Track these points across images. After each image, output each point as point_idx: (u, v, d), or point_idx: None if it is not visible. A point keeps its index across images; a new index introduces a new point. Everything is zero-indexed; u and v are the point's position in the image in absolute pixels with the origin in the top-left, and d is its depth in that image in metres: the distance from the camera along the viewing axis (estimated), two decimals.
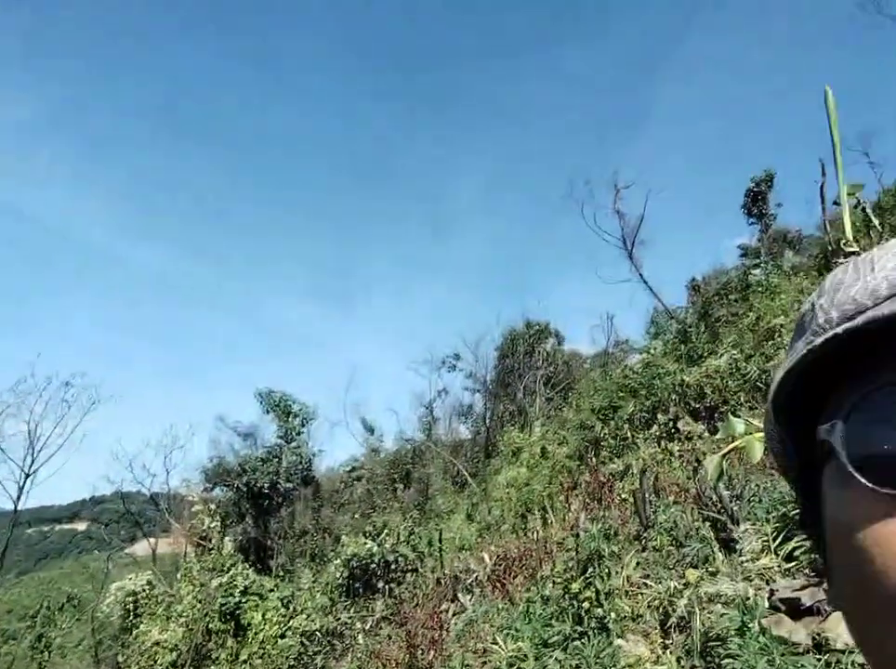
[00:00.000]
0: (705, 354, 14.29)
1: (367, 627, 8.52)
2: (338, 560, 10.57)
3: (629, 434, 12.73)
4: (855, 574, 0.38)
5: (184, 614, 9.34)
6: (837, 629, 4.12)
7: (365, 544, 10.64)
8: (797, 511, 0.50)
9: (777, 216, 24.21)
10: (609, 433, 12.98)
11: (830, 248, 13.01)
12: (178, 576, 10.65)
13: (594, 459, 12.01)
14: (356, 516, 19.50)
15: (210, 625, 8.98)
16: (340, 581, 10.13)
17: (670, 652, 5.67)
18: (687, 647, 5.49)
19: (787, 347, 0.49)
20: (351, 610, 9.14)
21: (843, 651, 3.93)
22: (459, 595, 8.59)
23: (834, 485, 0.40)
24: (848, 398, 0.39)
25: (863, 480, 0.36)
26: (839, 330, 0.39)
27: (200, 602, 9.49)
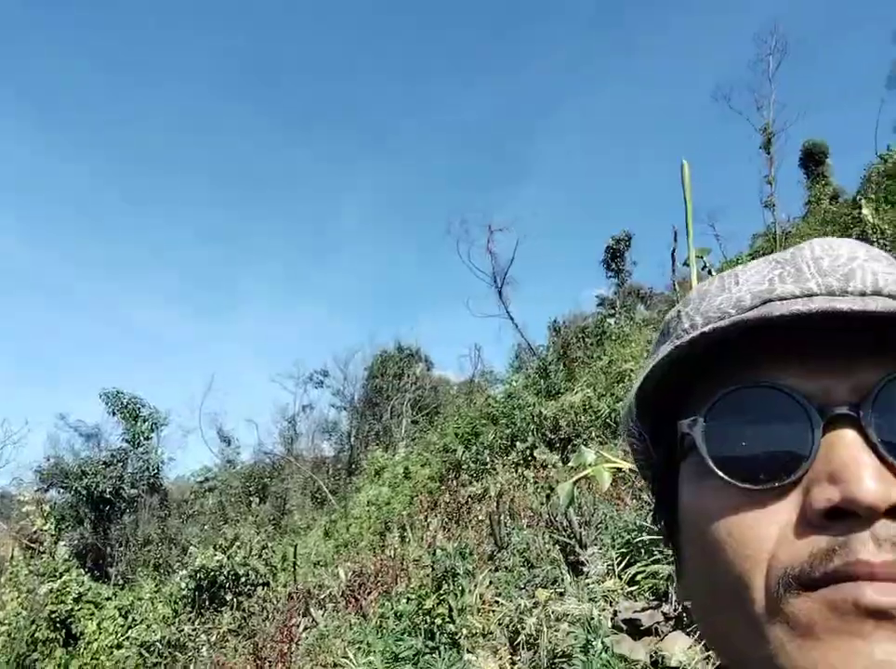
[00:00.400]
0: (562, 390, 15.27)
1: (213, 640, 8.24)
2: (185, 571, 10.11)
3: (489, 459, 13.29)
4: (707, 565, 0.39)
5: (6, 622, 8.52)
6: (673, 648, 4.63)
7: (215, 556, 10.27)
8: (651, 514, 0.52)
9: (632, 273, 26.52)
10: (470, 457, 13.48)
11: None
12: (2, 581, 9.69)
13: (454, 481, 12.41)
14: (206, 527, 18.66)
15: (37, 634, 8.26)
16: (185, 592, 9.70)
17: (517, 668, 6.00)
18: (534, 663, 5.83)
19: (650, 351, 0.52)
20: (196, 623, 8.79)
21: (676, 668, 4.43)
22: (312, 609, 8.53)
23: (692, 479, 0.42)
24: (708, 397, 0.40)
25: (721, 474, 0.38)
26: (706, 329, 0.40)
27: (26, 610, 8.69)
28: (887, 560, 0.33)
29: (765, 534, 0.36)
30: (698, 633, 4.55)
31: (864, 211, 12.89)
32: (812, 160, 22.69)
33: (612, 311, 21.33)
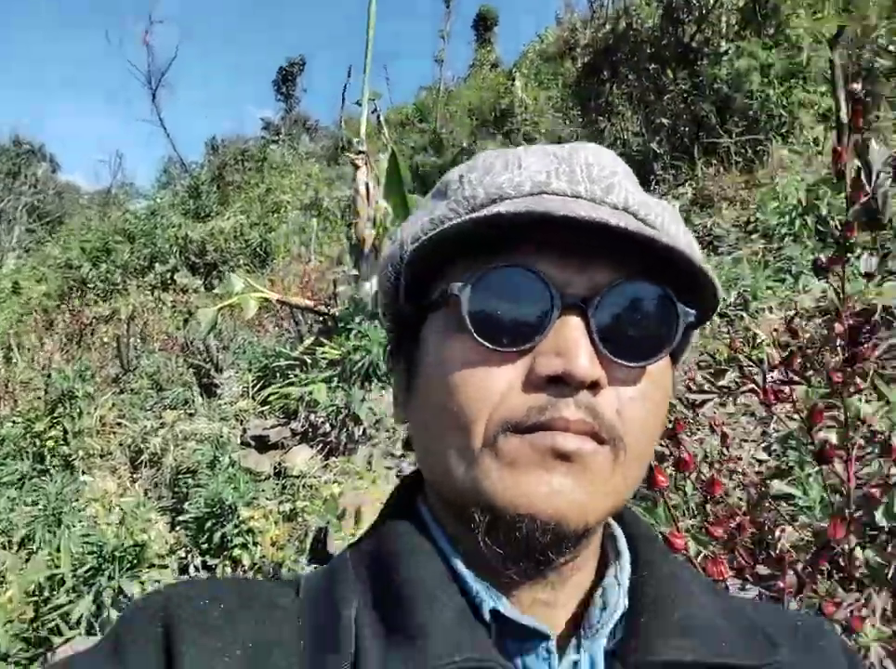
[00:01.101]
0: (214, 214, 14.54)
1: None
2: None
3: (121, 279, 12.23)
4: (442, 402, 0.45)
5: None
6: (296, 459, 5.08)
7: None
8: (388, 347, 0.58)
9: (301, 101, 25.54)
10: (98, 276, 12.21)
11: (342, 142, 14.46)
12: None
13: (78, 301, 11.19)
14: None
15: None
16: None
17: (139, 485, 6.00)
18: (156, 480, 5.90)
19: (423, 204, 0.55)
20: None
21: (297, 476, 4.91)
22: None
23: (444, 331, 0.47)
24: (476, 267, 0.44)
25: (475, 334, 0.43)
26: (502, 210, 0.43)
27: None
28: (579, 418, 0.42)
29: (496, 387, 0.44)
30: (319, 445, 5.14)
31: (517, 83, 14.36)
32: (484, 24, 23.53)
33: (277, 138, 20.51)
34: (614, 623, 0.47)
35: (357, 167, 6.19)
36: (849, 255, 1.35)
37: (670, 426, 1.39)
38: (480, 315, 0.44)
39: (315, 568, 0.56)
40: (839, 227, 1.40)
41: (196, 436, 5.97)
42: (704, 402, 1.80)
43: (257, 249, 12.38)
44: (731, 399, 1.94)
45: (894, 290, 4.48)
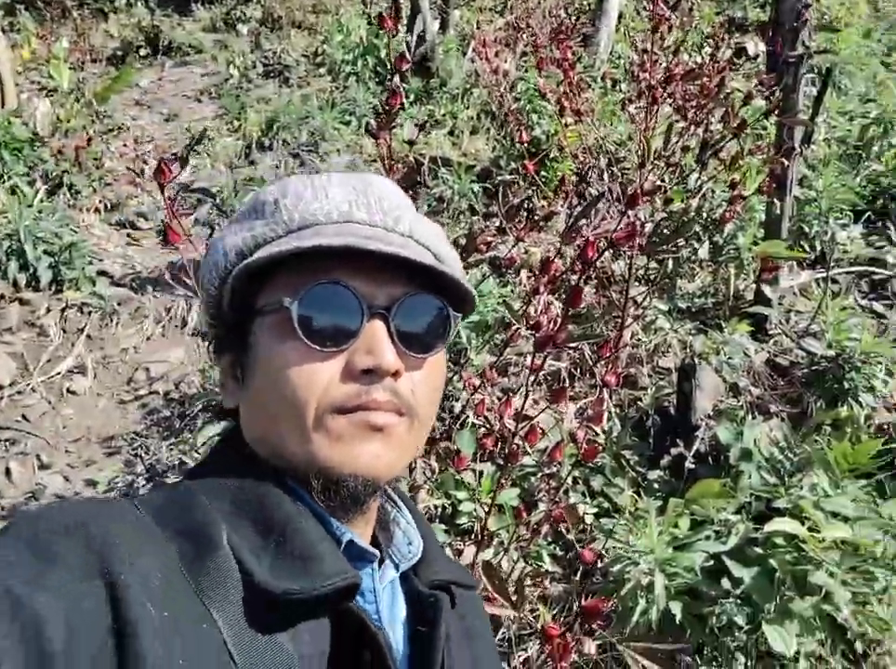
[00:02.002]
0: None
1: None
2: None
3: None
4: (278, 392, 0.57)
5: None
6: None
7: None
8: (210, 343, 0.68)
9: None
10: None
11: None
12: None
13: None
14: None
15: None
16: None
17: None
18: None
19: (237, 218, 0.65)
20: None
21: None
22: None
23: (275, 335, 0.58)
24: (302, 283, 0.56)
25: (305, 339, 0.55)
26: (324, 242, 0.55)
27: None
28: (387, 400, 0.57)
29: (322, 379, 0.56)
30: None
31: None
32: None
33: None
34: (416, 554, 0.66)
35: None
36: (394, 123, 1.41)
37: None
38: (307, 323, 0.56)
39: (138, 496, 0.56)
40: (391, 73, 1.45)
41: None
42: None
43: None
44: None
45: (439, 140, 5.05)
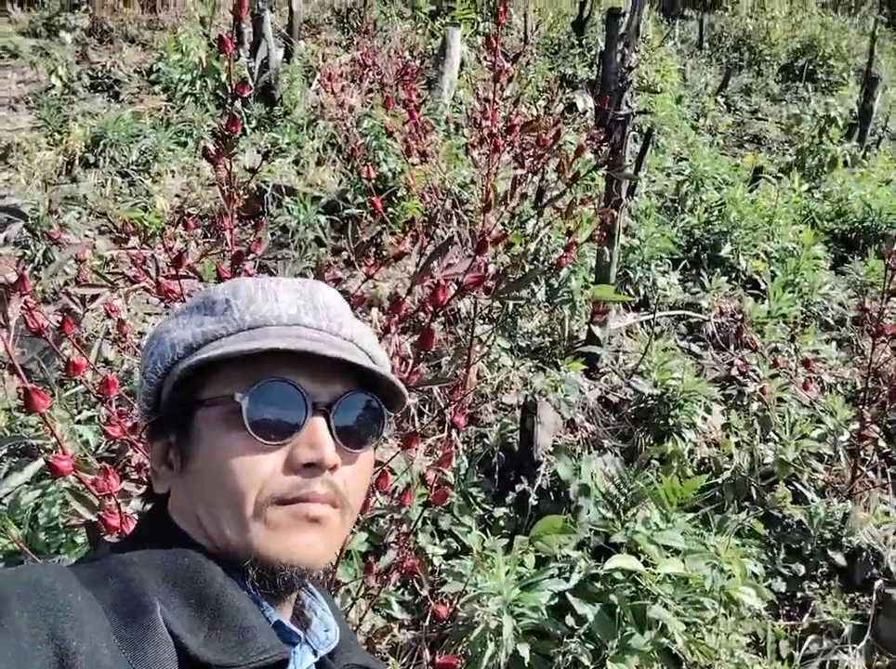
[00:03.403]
0: None
1: None
2: None
3: None
4: (220, 481, 0.58)
5: None
6: None
7: None
8: (146, 428, 0.69)
9: None
10: None
11: None
12: None
13: None
14: None
15: None
16: None
17: None
18: None
19: (183, 312, 0.68)
20: None
21: None
22: None
23: (221, 425, 0.60)
24: (251, 380, 0.60)
25: (251, 432, 0.58)
26: (280, 346, 0.58)
27: None
28: (326, 492, 0.60)
29: (264, 470, 0.59)
30: None
31: None
32: None
33: None
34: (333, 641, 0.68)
35: None
36: (234, 149, 1.35)
37: None
38: (255, 417, 0.59)
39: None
40: (231, 98, 1.36)
41: None
42: (95, 297, 1.59)
43: None
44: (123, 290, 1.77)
45: (283, 168, 4.91)
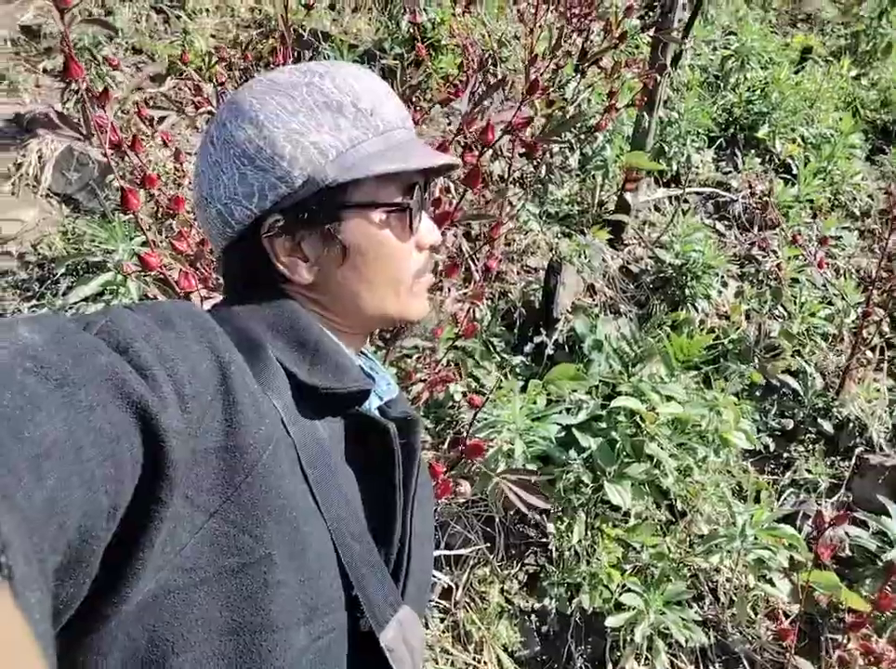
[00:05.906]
0: None
1: None
2: None
3: None
4: (378, 266, 0.69)
5: None
6: None
7: None
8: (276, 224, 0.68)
9: None
10: None
11: None
12: None
13: None
14: None
15: None
16: None
17: None
18: None
19: (226, 170, 0.65)
20: None
21: None
22: None
23: (375, 224, 0.67)
24: (401, 187, 0.68)
25: (412, 231, 0.71)
26: (425, 164, 0.67)
27: None
28: (431, 265, 0.76)
29: (411, 256, 0.71)
30: None
31: None
32: None
33: None
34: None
35: None
36: None
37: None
38: (413, 215, 0.69)
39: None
40: None
41: None
42: (162, 119, 1.69)
43: None
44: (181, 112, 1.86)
45: (319, 13, 4.75)
